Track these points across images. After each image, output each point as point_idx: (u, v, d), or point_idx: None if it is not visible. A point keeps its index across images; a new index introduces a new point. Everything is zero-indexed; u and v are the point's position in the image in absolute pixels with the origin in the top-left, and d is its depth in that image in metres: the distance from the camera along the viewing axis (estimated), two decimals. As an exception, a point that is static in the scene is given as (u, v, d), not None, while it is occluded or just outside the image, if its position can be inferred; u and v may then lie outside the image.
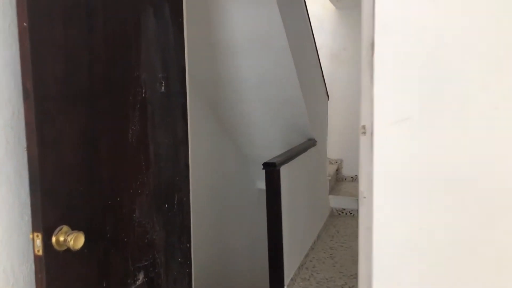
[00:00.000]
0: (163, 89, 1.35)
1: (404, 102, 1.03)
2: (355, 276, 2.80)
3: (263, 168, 2.34)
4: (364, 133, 1.27)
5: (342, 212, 4.42)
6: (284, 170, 2.48)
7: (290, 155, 2.65)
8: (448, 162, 1.00)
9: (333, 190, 4.70)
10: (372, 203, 1.10)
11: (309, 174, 3.44)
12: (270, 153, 3.79)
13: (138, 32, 1.22)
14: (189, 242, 1.55)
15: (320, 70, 3.85)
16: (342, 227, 3.94)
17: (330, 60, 5.09)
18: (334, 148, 5.18)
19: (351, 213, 4.39)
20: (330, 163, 5.24)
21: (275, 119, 3.38)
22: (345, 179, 5.23)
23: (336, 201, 4.46)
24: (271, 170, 2.32)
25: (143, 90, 1.25)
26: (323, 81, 4.00)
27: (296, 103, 3.10)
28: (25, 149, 0.96)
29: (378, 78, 1.06)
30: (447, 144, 1.00)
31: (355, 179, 5.19)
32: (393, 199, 1.07)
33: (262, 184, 4.19)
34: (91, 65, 1.06)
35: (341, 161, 5.24)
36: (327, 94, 4.25)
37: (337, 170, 5.17)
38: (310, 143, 3.43)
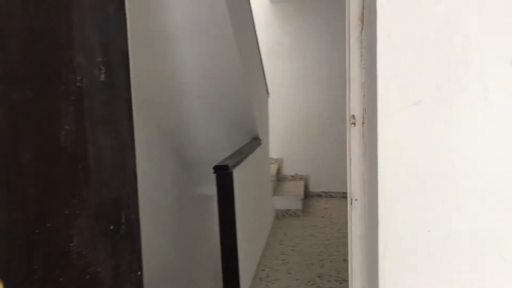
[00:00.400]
0: (103, 77, 1.06)
1: (414, 82, 0.88)
2: (313, 282, 2.68)
3: (214, 172, 2.10)
4: (354, 123, 1.11)
5: (287, 213, 4.32)
6: (237, 173, 2.27)
7: (240, 156, 2.44)
8: (470, 154, 0.87)
9: (275, 190, 4.58)
10: (377, 206, 0.93)
11: (257, 176, 3.27)
12: (211, 155, 3.55)
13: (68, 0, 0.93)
14: (141, 269, 1.27)
15: (261, 64, 3.69)
16: (289, 229, 3.83)
17: (267, 56, 4.96)
18: (274, 147, 5.06)
19: (295, 214, 4.30)
20: (271, 162, 5.13)
21: (217, 116, 3.15)
22: (286, 178, 5.15)
23: (280, 202, 4.35)
24: (223, 174, 2.10)
25: (78, 78, 0.96)
26: (263, 76, 3.86)
27: (241, 99, 2.90)
28: None
29: (382, 52, 0.89)
30: (469, 132, 0.86)
31: (295, 178, 5.13)
32: (404, 199, 0.91)
33: (203, 189, 3.94)
34: (3, 38, 0.75)
35: (282, 160, 5.16)
36: (267, 91, 4.12)
37: (278, 169, 5.07)
38: (256, 143, 3.25)
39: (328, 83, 4.91)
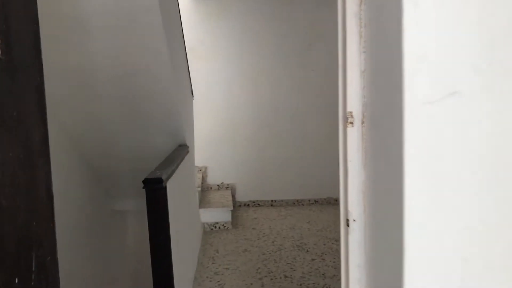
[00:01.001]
0: (-1, 52, 0.70)
1: (450, 68, 0.69)
2: (256, 305, 2.43)
3: (143, 187, 1.76)
4: (351, 123, 0.89)
5: (215, 227, 4.04)
6: (170, 187, 1.94)
7: (172, 167, 2.12)
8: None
9: (201, 202, 4.27)
10: (392, 230, 0.72)
11: (186, 188, 2.95)
12: (130, 165, 3.14)
13: None
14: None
15: (187, 63, 3.39)
16: (221, 245, 3.55)
17: (189, 55, 4.65)
18: (198, 154, 4.75)
19: (224, 227, 4.04)
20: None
21: (139, 120, 2.78)
22: (211, 188, 4.87)
23: (208, 215, 4.05)
24: (156, 189, 1.77)
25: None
26: (189, 76, 3.55)
27: (167, 100, 2.57)
28: None
29: (407, 27, 0.68)
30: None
31: (221, 187, 4.87)
32: (441, 221, 0.71)
33: (119, 205, 3.48)
34: None
35: (206, 168, 4.86)
36: (192, 93, 3.81)
37: (202, 178, 4.76)
38: (184, 150, 2.93)
39: (254, 84, 4.75)
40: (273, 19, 4.69)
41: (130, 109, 2.63)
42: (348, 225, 0.91)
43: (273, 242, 3.58)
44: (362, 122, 0.87)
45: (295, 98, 4.80)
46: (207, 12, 4.66)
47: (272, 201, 4.90)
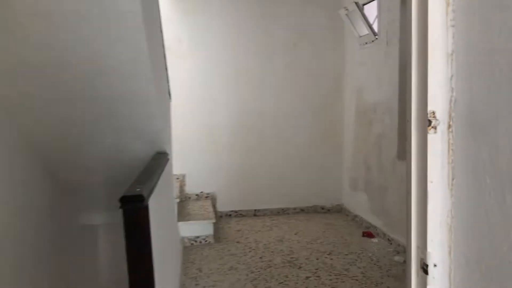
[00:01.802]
0: None
1: None
2: (251, 336, 2.15)
3: (120, 207, 1.46)
4: (434, 128, 0.64)
5: (196, 241, 3.73)
6: (152, 205, 1.64)
7: (152, 179, 1.82)
8: None
9: (180, 214, 3.95)
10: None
11: (166, 201, 2.64)
12: (101, 176, 2.80)
13: None
14: None
15: (165, 62, 3.09)
16: (203, 262, 3.25)
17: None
18: (175, 161, 4.43)
19: (206, 241, 3.74)
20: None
21: (112, 125, 2.46)
22: (190, 198, 4.55)
23: (187, 228, 3.74)
24: (137, 208, 1.47)
25: None
26: (167, 76, 3.25)
27: (146, 101, 2.26)
28: None
29: None
30: None
31: (201, 196, 4.56)
32: None
33: (89, 219, 3.12)
34: None
35: (184, 176, 4.54)
36: (170, 94, 3.51)
37: (180, 188, 4.45)
38: (164, 159, 2.62)
39: (236, 86, 4.48)
40: (256, 17, 4.44)
41: (102, 112, 2.30)
42: (426, 272, 0.66)
43: (261, 257, 3.31)
44: (449, 126, 0.62)
45: (280, 101, 4.56)
46: (186, 8, 4.36)
47: (255, 210, 4.63)
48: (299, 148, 4.62)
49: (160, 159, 2.58)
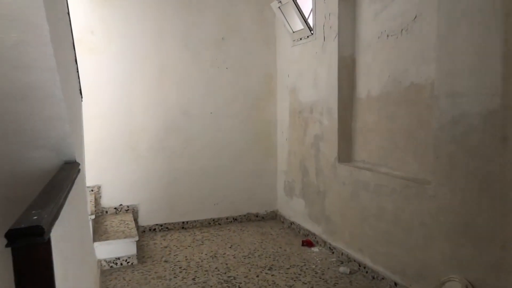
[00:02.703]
0: None
1: None
2: None
3: (7, 245, 1.04)
4: None
5: (116, 263, 3.26)
6: (56, 236, 1.23)
7: (57, 200, 1.40)
8: None
9: (96, 233, 3.44)
10: None
11: (77, 221, 2.18)
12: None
13: None
14: None
15: (74, 56, 2.62)
16: (126, 290, 2.81)
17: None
18: (88, 170, 3.89)
19: (128, 262, 3.29)
20: (83, 192, 3.93)
21: (5, 127, 1.97)
22: (107, 212, 4.03)
23: (105, 249, 3.25)
24: (33, 245, 1.06)
25: None
26: (77, 71, 2.77)
27: (50, 100, 1.82)
28: None
29: None
30: None
31: (120, 210, 4.06)
32: None
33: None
34: None
35: (99, 187, 4.01)
36: (81, 93, 3.01)
37: (95, 201, 3.91)
38: (74, 170, 2.17)
39: (158, 83, 4.06)
40: (180, 7, 4.06)
41: (-13, 113, 1.81)
42: None
43: (194, 279, 2.95)
44: None
45: (208, 100, 4.22)
46: (96, -7, 3.85)
47: (183, 222, 4.24)
48: (230, 151, 4.33)
49: (68, 170, 2.12)
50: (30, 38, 1.58)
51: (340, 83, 3.21)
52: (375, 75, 2.94)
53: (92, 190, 3.98)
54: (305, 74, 3.75)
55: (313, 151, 3.64)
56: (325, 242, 3.48)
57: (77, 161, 2.36)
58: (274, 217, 4.50)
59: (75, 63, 2.62)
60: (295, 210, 4.06)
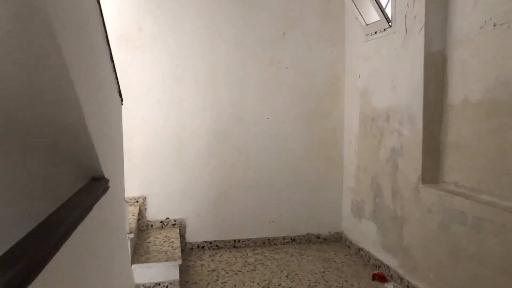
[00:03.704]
0: None
1: None
2: None
3: None
4: None
5: (156, 290, 2.92)
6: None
7: (34, 254, 1.01)
8: None
9: (136, 252, 3.13)
10: None
11: (98, 252, 1.83)
12: None
13: None
14: None
15: (110, 59, 2.29)
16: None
17: (118, 45, 3.52)
18: (131, 180, 3.62)
19: (169, 288, 2.93)
20: (128, 204, 3.66)
21: (15, 139, 1.68)
22: (152, 225, 3.73)
23: (144, 273, 2.93)
24: None
25: None
26: (115, 76, 2.45)
27: (67, 106, 1.47)
28: None
29: None
30: None
31: (166, 224, 3.75)
32: None
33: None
34: None
35: (145, 198, 3.72)
36: (121, 96, 2.70)
37: (139, 213, 3.63)
38: (99, 187, 1.83)
39: (210, 85, 3.70)
40: (235, 0, 3.68)
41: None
42: None
43: (242, 318, 2.53)
44: None
45: (265, 104, 3.79)
46: (145, -15, 3.56)
47: (235, 241, 3.84)
48: (288, 162, 3.86)
49: (89, 190, 1.78)
50: (36, 47, 1.24)
51: (426, 85, 2.63)
52: (475, 76, 2.34)
53: (137, 201, 3.70)
54: (380, 74, 3.19)
55: (389, 167, 3.07)
56: (401, 279, 2.90)
57: (104, 176, 2.03)
58: (338, 239, 3.97)
59: (109, 60, 2.29)
60: (364, 234, 3.50)
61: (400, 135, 2.91)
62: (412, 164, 2.77)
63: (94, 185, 1.94)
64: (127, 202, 3.66)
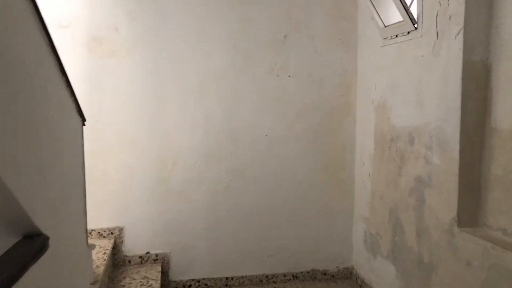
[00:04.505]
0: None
1: None
2: None
3: None
4: None
5: None
6: None
7: None
8: None
9: (106, 300, 2.63)
10: None
11: None
12: None
13: None
14: None
15: (60, 71, 1.79)
16: None
17: (88, 49, 3.03)
18: (107, 208, 3.13)
19: None
20: (101, 236, 3.17)
21: None
22: (130, 261, 3.22)
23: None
24: None
25: None
26: (70, 93, 1.94)
27: None
28: None
29: None
30: None
31: (146, 260, 3.25)
32: None
33: None
34: None
35: (121, 230, 3.21)
36: (82, 115, 2.19)
37: (113, 248, 3.13)
38: (32, 251, 1.34)
39: (199, 97, 3.20)
40: (229, -5, 3.18)
41: None
42: None
43: None
44: None
45: (263, 118, 3.29)
46: (121, -21, 3.06)
47: (227, 279, 3.33)
48: (290, 186, 3.36)
49: (14, 256, 1.30)
50: None
51: (464, 103, 2.12)
52: (533, 93, 1.83)
53: (111, 233, 3.20)
54: (401, 85, 2.69)
55: (412, 200, 2.57)
56: None
57: (42, 232, 1.54)
58: (347, 276, 3.46)
59: (58, 74, 1.79)
60: (379, 274, 3.00)
61: (428, 163, 2.40)
62: (444, 200, 2.26)
63: (28, 244, 1.46)
64: (101, 235, 3.17)
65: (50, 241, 1.54)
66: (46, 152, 1.58)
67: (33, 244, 1.45)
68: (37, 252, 1.43)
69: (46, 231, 1.52)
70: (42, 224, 1.49)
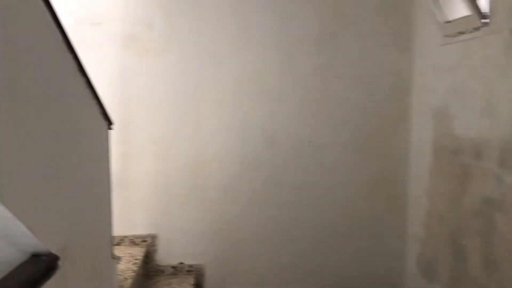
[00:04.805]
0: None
1: None
2: None
3: None
4: None
5: None
6: None
7: None
8: None
9: (133, 316, 2.48)
10: None
11: None
12: None
13: None
14: None
15: (80, 71, 1.63)
16: None
17: (121, 47, 2.91)
18: (139, 215, 3.01)
19: None
20: (133, 243, 3.05)
21: None
22: (163, 271, 3.08)
23: None
24: None
25: None
26: (92, 95, 1.79)
27: None
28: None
29: None
30: None
31: (179, 271, 3.10)
32: None
33: None
34: None
35: (154, 238, 3.08)
36: (108, 118, 2.05)
37: (146, 257, 2.99)
38: (31, 271, 1.19)
39: (237, 99, 3.01)
40: (272, -9, 2.97)
41: None
42: None
43: None
44: None
45: (306, 124, 3.04)
46: (158, -26, 2.92)
47: (265, 295, 3.12)
48: (335, 199, 3.09)
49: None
50: None
51: (548, 112, 1.78)
52: None
53: (144, 241, 3.06)
54: (467, 91, 2.35)
55: (478, 223, 2.23)
56: None
57: (48, 250, 1.39)
58: (397, 300, 3.16)
59: (78, 73, 1.63)
60: (435, 303, 2.67)
61: (500, 182, 2.07)
62: (519, 227, 1.93)
63: (30, 267, 1.31)
64: (133, 243, 3.05)
65: (61, 261, 1.39)
66: (59, 164, 1.42)
67: (38, 265, 1.30)
68: (41, 275, 1.28)
69: (57, 249, 1.36)
70: (52, 242, 1.34)
